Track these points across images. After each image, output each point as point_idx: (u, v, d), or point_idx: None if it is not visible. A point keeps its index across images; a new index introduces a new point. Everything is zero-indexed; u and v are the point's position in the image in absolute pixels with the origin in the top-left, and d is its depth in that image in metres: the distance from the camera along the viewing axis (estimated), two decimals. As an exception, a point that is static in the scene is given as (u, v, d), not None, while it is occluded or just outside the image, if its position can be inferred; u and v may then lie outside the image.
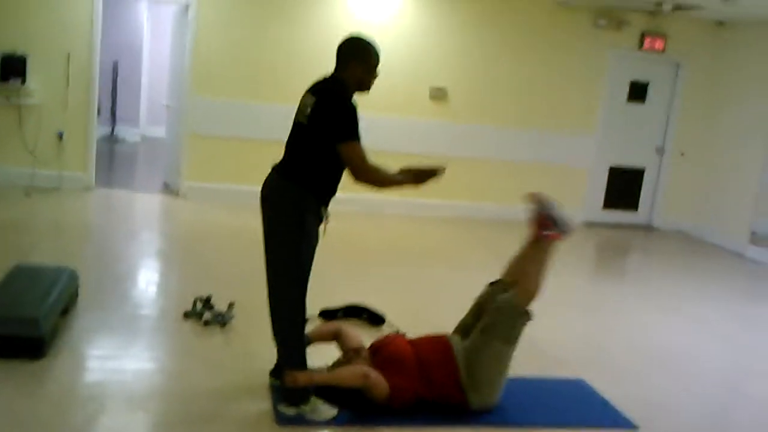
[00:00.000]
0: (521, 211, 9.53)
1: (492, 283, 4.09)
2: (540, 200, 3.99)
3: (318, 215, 3.60)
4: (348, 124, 3.48)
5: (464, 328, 4.03)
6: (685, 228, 10.16)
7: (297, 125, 3.63)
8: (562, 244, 3.96)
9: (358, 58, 3.61)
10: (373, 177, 3.55)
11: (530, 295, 3.84)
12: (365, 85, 3.64)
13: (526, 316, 3.83)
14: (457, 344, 3.91)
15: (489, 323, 3.83)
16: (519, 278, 3.91)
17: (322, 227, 3.66)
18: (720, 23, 9.71)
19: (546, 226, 3.94)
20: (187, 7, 8.45)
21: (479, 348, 3.80)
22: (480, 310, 4.00)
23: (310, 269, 3.63)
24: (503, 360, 3.84)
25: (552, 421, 3.89)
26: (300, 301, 3.61)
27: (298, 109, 3.63)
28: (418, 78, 8.98)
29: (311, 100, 3.55)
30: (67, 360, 4.00)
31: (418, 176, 3.69)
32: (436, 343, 3.94)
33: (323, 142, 3.50)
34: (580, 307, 6.27)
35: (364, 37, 3.68)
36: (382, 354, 3.87)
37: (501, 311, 3.82)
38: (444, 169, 3.70)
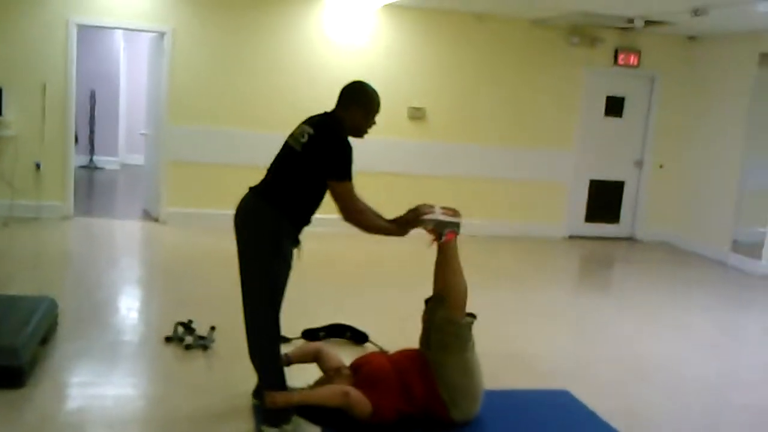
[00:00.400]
0: (503, 227, 9.56)
1: (428, 299, 4.06)
2: (419, 211, 3.97)
3: (293, 239, 3.61)
4: (344, 162, 3.55)
5: (425, 344, 4.01)
6: (667, 238, 10.22)
7: (289, 151, 3.63)
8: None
9: (360, 104, 3.69)
10: (361, 219, 3.66)
11: (459, 302, 3.86)
12: (361, 131, 3.72)
13: (466, 321, 3.83)
14: (431, 357, 3.90)
15: (438, 341, 3.83)
16: (444, 291, 3.93)
17: (297, 252, 3.65)
18: (691, 38, 9.84)
19: (437, 233, 3.97)
20: (162, 36, 8.46)
21: (442, 364, 3.79)
22: (427, 327, 3.99)
23: (284, 290, 3.63)
24: (469, 368, 3.81)
25: (533, 432, 3.88)
26: (274, 321, 3.61)
27: (293, 135, 3.66)
28: (396, 98, 9.02)
29: (309, 130, 3.59)
30: (47, 388, 3.95)
31: (405, 228, 3.85)
32: (414, 358, 3.92)
33: (313, 172, 3.54)
34: (564, 320, 6.27)
35: (369, 86, 3.77)
36: (363, 372, 3.85)
37: (443, 329, 3.82)
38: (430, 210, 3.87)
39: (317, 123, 3.64)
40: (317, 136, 3.54)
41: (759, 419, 4.44)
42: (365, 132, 3.74)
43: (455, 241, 3.97)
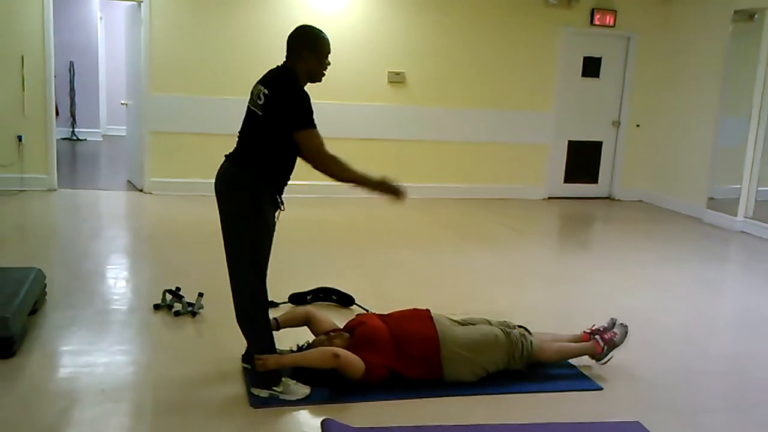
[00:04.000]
0: (484, 190, 9.64)
1: (521, 326, 4.26)
2: (617, 324, 4.36)
3: (273, 202, 3.63)
4: (302, 111, 3.52)
5: (471, 321, 4.19)
6: (645, 197, 10.39)
7: (250, 114, 3.65)
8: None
9: (309, 48, 3.63)
10: (330, 164, 3.59)
11: (540, 356, 4.14)
12: (317, 75, 3.67)
13: (525, 362, 4.07)
14: (443, 319, 4.03)
15: (511, 335, 4.06)
16: (544, 342, 4.21)
17: (277, 215, 3.69)
18: (667, -3, 9.92)
19: (602, 337, 4.27)
20: (139, 4, 8.41)
21: (490, 337, 3.99)
22: (502, 323, 4.21)
23: (268, 254, 3.68)
24: (491, 364, 3.98)
25: (518, 388, 3.99)
26: (261, 285, 3.66)
27: (251, 98, 3.65)
28: (376, 64, 9.04)
29: (264, 89, 3.56)
30: (37, 358, 4.02)
31: (380, 185, 3.69)
32: (416, 318, 4.03)
33: (277, 131, 3.54)
34: (544, 278, 6.41)
35: (314, 27, 3.71)
36: (357, 333, 3.94)
37: (524, 340, 4.07)
38: (405, 196, 3.72)
39: (269, 80, 3.60)
40: (272, 94, 3.52)
41: (731, 366, 4.60)
42: (322, 75, 3.68)
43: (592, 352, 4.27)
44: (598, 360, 4.23)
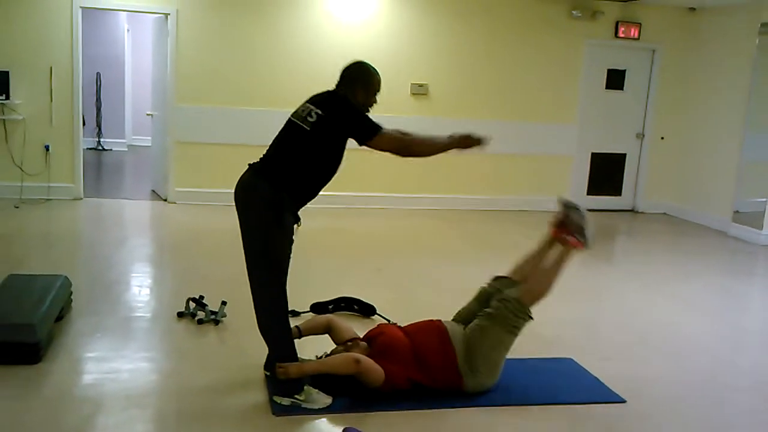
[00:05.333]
0: (507, 202, 9.62)
1: (498, 277, 4.21)
2: (568, 204, 4.15)
3: (294, 214, 3.68)
4: (365, 120, 3.65)
5: (467, 314, 4.14)
6: (669, 210, 10.31)
7: (293, 129, 3.69)
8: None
9: (361, 84, 3.77)
10: (416, 149, 3.78)
11: (535, 296, 3.98)
12: (365, 111, 3.77)
13: (527, 314, 3.94)
14: (454, 328, 4.01)
15: (493, 312, 3.93)
16: (528, 277, 4.06)
17: (296, 228, 3.73)
18: (692, 9, 9.84)
19: (568, 230, 4.09)
20: (166, 17, 8.51)
21: (482, 331, 3.90)
22: (486, 298, 4.11)
23: (288, 263, 3.72)
24: (503, 347, 3.94)
25: (543, 400, 3.97)
26: (280, 294, 3.68)
27: (297, 113, 3.71)
28: (398, 75, 9.07)
29: (316, 109, 3.64)
30: (63, 364, 4.06)
31: (463, 140, 3.84)
32: (431, 329, 4.02)
33: (324, 150, 3.63)
34: (568, 290, 6.32)
35: (370, 66, 3.84)
36: (377, 343, 3.95)
37: (507, 302, 3.93)
38: (489, 139, 3.85)
39: (322, 102, 3.69)
40: (327, 115, 3.60)
41: (757, 380, 4.54)
42: (367, 111, 3.79)
43: (574, 252, 4.09)
44: (586, 247, 4.13)
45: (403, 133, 3.75)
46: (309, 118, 3.63)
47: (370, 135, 3.62)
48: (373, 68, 3.83)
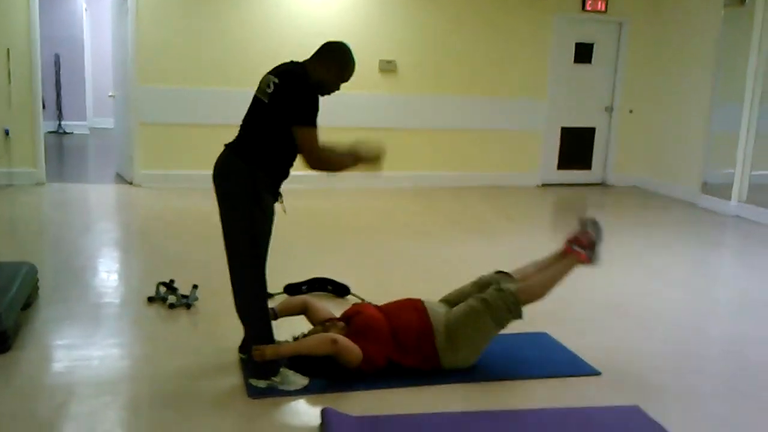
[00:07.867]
0: (477, 178, 9.62)
1: (499, 272, 4.20)
2: (591, 222, 4.21)
3: (273, 193, 3.62)
4: (308, 109, 3.51)
5: (459, 295, 4.12)
6: (638, 182, 10.39)
7: (256, 102, 3.63)
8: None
9: (337, 61, 3.67)
10: (324, 165, 3.66)
11: (531, 295, 3.99)
12: (325, 89, 3.66)
13: (518, 311, 3.93)
14: (434, 307, 3.99)
15: (488, 298, 3.92)
16: (529, 278, 4.09)
17: (279, 206, 3.68)
18: (659, -20, 9.89)
19: (580, 243, 4.13)
20: (126, -6, 8.33)
21: (471, 312, 3.89)
22: (484, 286, 4.09)
23: (267, 245, 3.66)
24: (486, 334, 3.93)
25: (519, 375, 3.98)
26: (260, 275, 3.63)
27: (259, 87, 3.63)
28: (366, 52, 8.96)
29: (274, 79, 3.54)
30: (32, 352, 3.98)
31: (364, 162, 3.76)
32: (409, 307, 4.00)
33: (281, 123, 3.51)
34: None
35: (352, 53, 3.73)
36: (354, 322, 3.91)
37: (502, 294, 3.92)
38: (382, 156, 3.77)
39: (282, 71, 3.59)
40: (282, 84, 3.50)
41: (729, 349, 4.60)
42: (329, 92, 3.69)
43: (579, 265, 4.14)
44: (592, 263, 4.18)
45: (326, 148, 3.63)
46: (267, 89, 3.54)
47: (300, 122, 3.49)
48: (354, 59, 3.74)
